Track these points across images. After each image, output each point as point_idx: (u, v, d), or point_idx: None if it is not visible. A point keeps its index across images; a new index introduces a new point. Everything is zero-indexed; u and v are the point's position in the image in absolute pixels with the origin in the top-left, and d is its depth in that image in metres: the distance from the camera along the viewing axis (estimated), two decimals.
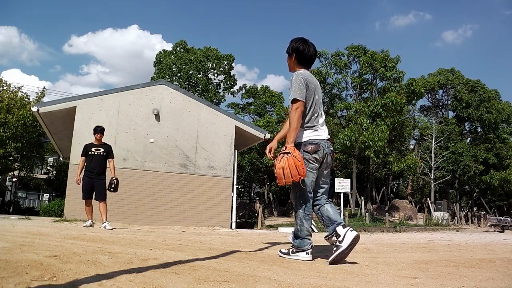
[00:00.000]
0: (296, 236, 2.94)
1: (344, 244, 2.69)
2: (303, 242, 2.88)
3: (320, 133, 2.91)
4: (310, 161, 2.84)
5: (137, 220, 10.01)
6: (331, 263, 2.68)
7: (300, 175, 2.68)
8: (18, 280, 1.64)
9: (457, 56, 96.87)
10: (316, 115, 2.92)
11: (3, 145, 17.94)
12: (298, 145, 2.87)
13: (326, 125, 3.04)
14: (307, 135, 2.89)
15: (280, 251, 3.05)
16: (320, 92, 3.02)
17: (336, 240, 2.75)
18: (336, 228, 2.80)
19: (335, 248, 2.73)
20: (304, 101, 2.82)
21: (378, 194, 31.13)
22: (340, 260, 2.70)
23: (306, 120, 2.89)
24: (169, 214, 10.77)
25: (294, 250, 2.92)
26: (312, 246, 2.90)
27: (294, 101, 2.81)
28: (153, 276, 1.95)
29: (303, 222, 2.89)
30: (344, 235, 2.73)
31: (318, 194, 2.97)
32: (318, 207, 2.97)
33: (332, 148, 2.98)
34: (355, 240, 2.72)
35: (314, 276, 2.25)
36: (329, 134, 3.03)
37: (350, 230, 2.75)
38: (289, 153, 2.72)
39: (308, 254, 2.85)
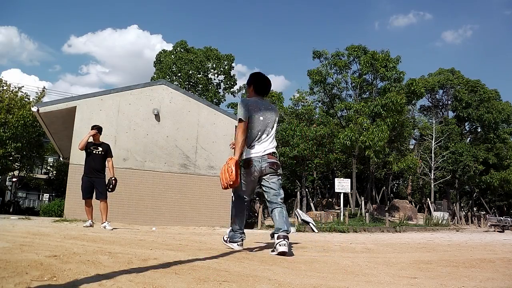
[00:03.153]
0: (232, 229, 3.57)
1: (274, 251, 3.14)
2: (234, 235, 3.52)
3: (255, 150, 3.34)
4: (244, 174, 3.35)
5: (137, 220, 10.01)
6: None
7: (227, 181, 3.17)
8: (18, 280, 1.64)
9: (457, 56, 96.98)
10: (259, 132, 3.36)
11: (3, 145, 17.92)
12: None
13: (271, 141, 3.42)
14: (245, 153, 3.36)
15: (223, 238, 3.71)
16: (269, 113, 3.44)
17: (274, 248, 3.17)
18: (274, 235, 3.20)
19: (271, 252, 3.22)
20: (245, 121, 3.31)
21: (378, 194, 31.09)
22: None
23: (250, 137, 3.36)
24: (169, 214, 10.77)
25: (228, 240, 3.55)
26: (242, 239, 3.52)
27: (239, 121, 3.34)
28: (153, 276, 1.95)
29: (236, 220, 3.51)
30: (274, 247, 3.15)
31: (268, 200, 3.37)
32: (270, 210, 3.37)
33: (271, 160, 3.33)
34: (280, 255, 3.04)
35: (314, 276, 2.25)
36: (275, 147, 3.45)
37: (280, 245, 3.07)
38: (227, 162, 3.26)
39: (238, 245, 3.49)
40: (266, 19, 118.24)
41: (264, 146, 3.37)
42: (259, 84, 3.58)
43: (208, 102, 13.02)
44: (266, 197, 3.39)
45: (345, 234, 11.11)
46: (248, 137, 3.36)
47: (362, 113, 19.79)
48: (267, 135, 3.41)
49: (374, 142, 17.54)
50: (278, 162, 3.44)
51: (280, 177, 3.42)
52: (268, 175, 3.34)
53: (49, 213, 13.33)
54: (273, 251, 3.17)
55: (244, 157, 3.37)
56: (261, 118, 3.39)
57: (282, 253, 3.04)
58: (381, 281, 2.19)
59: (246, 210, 3.57)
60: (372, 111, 19.22)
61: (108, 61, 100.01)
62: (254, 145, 3.35)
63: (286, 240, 3.10)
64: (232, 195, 11.88)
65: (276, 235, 3.15)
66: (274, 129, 3.48)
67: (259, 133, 3.36)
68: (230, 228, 3.63)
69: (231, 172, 3.16)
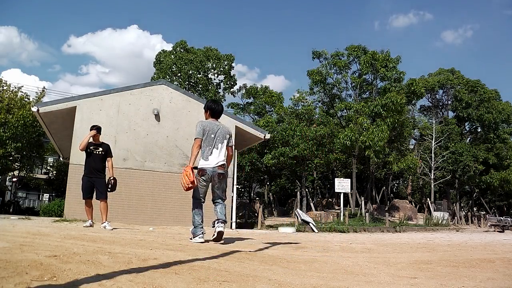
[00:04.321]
0: (193, 225, 4.32)
1: (215, 234, 4.18)
2: (196, 229, 4.26)
3: (209, 162, 4.28)
4: (200, 180, 4.25)
5: (137, 220, 10.00)
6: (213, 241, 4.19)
7: (188, 184, 4.06)
8: (18, 280, 1.64)
9: (457, 56, 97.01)
10: (210, 148, 4.32)
11: (3, 145, 17.89)
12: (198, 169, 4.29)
13: (221, 154, 4.38)
14: (200, 164, 4.30)
15: (189, 238, 4.35)
16: (219, 134, 4.39)
17: (214, 232, 4.21)
18: (215, 222, 4.25)
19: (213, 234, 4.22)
20: (200, 138, 4.32)
21: (378, 194, 31.07)
22: (215, 241, 4.17)
23: (203, 151, 4.32)
24: (169, 214, 10.76)
25: (192, 237, 4.26)
26: (203, 232, 4.23)
27: (195, 138, 4.35)
28: (153, 276, 1.95)
29: (195, 216, 4.31)
30: (215, 230, 4.20)
31: (214, 199, 4.39)
32: (214, 206, 4.38)
33: (220, 171, 4.29)
34: (219, 234, 4.15)
35: (314, 276, 2.25)
36: (223, 160, 4.36)
37: (218, 226, 4.17)
38: (184, 170, 4.20)
39: (200, 238, 4.17)
40: (266, 19, 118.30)
41: (216, 159, 4.31)
42: (213, 109, 4.57)
43: None
44: (212, 196, 4.38)
45: (345, 234, 11.11)
46: (204, 151, 4.31)
47: (362, 113, 19.79)
48: (218, 150, 4.36)
49: (374, 142, 17.53)
50: (225, 172, 4.39)
51: (225, 184, 4.43)
52: (217, 182, 4.31)
53: (49, 213, 13.31)
54: (214, 235, 4.17)
55: (200, 167, 4.26)
56: (213, 136, 4.36)
57: (220, 232, 4.13)
58: (381, 281, 2.20)
59: (202, 208, 4.39)
60: (372, 111, 19.21)
61: (108, 61, 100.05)
62: (208, 158, 4.28)
63: (223, 223, 4.21)
64: (232, 194, 11.90)
65: (216, 222, 4.21)
66: (225, 144, 4.41)
67: (212, 148, 4.32)
68: (192, 226, 4.35)
69: (190, 175, 4.08)
